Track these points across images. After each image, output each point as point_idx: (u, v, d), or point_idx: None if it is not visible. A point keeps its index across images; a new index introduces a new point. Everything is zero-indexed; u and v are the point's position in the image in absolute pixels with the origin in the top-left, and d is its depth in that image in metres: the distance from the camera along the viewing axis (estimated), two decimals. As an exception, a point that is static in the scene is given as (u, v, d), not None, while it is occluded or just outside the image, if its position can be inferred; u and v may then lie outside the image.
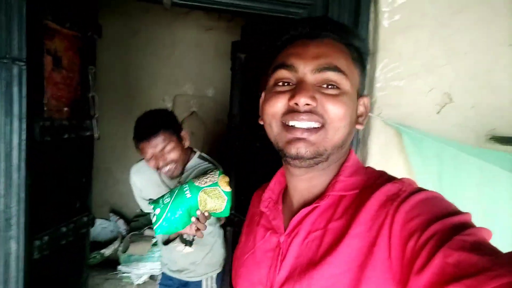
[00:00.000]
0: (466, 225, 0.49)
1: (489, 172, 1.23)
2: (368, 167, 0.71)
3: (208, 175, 1.26)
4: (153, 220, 1.20)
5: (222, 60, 3.75)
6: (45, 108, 1.57)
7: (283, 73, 0.63)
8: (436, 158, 1.35)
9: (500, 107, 1.54)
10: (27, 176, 1.40)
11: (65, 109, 1.74)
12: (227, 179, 1.25)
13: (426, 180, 1.40)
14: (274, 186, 0.80)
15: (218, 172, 1.28)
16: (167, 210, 1.19)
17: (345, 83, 0.61)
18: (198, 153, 1.75)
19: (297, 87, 0.60)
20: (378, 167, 0.71)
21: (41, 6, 1.45)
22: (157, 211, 1.19)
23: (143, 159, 1.69)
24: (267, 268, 0.68)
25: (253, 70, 2.03)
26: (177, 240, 1.66)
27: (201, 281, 1.82)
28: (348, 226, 0.59)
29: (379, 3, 1.49)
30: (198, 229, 1.22)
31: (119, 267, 3.32)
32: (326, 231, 0.61)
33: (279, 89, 0.64)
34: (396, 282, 0.51)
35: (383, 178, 0.64)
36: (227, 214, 1.25)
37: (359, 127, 0.68)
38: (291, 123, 0.61)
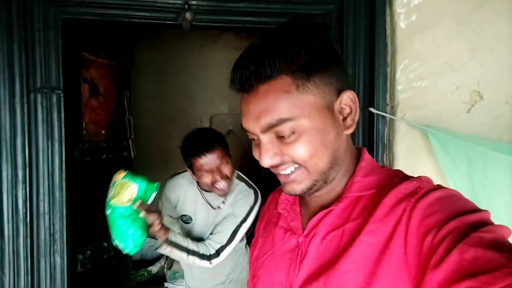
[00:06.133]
0: (485, 223, 0.48)
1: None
2: (384, 166, 0.71)
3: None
4: (125, 251, 1.32)
5: (253, 78, 3.85)
6: (84, 132, 1.72)
7: (248, 133, 0.65)
8: (465, 158, 1.29)
9: (537, 101, 1.45)
10: (68, 194, 1.53)
11: (103, 132, 1.88)
12: (118, 172, 1.35)
13: (457, 181, 1.34)
14: None
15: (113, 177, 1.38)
16: (115, 237, 1.31)
17: (297, 124, 0.58)
18: (236, 172, 1.74)
19: (260, 149, 0.63)
20: (406, 171, 0.68)
21: (76, 39, 1.60)
22: (116, 242, 1.31)
23: (177, 174, 1.73)
24: (286, 269, 0.69)
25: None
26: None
27: None
28: (364, 223, 0.59)
29: (394, 5, 1.48)
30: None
31: (166, 284, 3.42)
32: (344, 231, 0.62)
33: (255, 142, 0.66)
34: (412, 278, 0.51)
35: (399, 176, 0.64)
36: (147, 185, 1.34)
37: (347, 132, 0.63)
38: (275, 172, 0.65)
